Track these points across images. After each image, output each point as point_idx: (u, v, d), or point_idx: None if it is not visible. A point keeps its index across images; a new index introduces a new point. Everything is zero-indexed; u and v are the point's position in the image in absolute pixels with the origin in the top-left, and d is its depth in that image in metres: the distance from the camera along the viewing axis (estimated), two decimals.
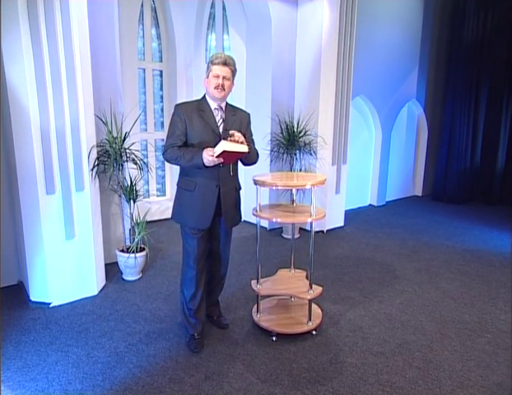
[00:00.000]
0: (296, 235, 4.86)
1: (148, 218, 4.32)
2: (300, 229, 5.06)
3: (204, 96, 2.46)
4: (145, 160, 3.79)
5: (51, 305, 3.08)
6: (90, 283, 3.25)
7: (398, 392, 2.23)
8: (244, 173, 4.47)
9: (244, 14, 4.97)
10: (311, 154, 4.81)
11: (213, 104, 2.42)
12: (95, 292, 3.29)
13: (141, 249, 3.59)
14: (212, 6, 5.36)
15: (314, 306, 2.87)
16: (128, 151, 3.44)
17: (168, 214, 2.63)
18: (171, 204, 2.58)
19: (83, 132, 3.03)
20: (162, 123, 5.53)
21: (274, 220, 2.67)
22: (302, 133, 4.71)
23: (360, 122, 6.37)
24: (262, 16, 4.74)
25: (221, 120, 2.41)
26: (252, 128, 2.63)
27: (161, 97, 5.50)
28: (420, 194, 7.61)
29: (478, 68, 6.61)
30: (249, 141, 2.44)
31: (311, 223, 2.71)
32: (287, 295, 2.96)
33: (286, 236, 4.89)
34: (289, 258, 3.18)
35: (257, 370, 2.39)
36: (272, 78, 4.86)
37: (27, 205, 2.94)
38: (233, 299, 3.27)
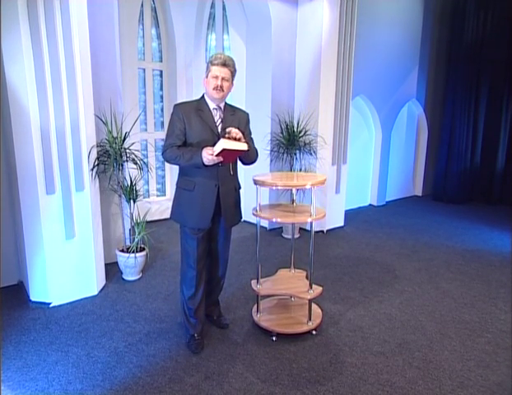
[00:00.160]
0: (296, 235, 4.86)
1: (148, 218, 4.33)
2: (300, 229, 5.06)
3: (203, 96, 2.46)
4: (145, 160, 3.79)
5: (51, 305, 3.08)
6: (90, 283, 3.25)
7: (398, 392, 2.23)
8: (244, 172, 4.47)
9: (244, 14, 4.97)
10: (311, 154, 4.81)
11: (212, 104, 2.42)
12: (95, 292, 3.29)
13: (141, 249, 3.59)
14: (212, 6, 5.36)
15: (314, 306, 2.87)
16: (128, 150, 3.44)
17: (168, 214, 2.63)
18: (171, 204, 2.58)
19: (83, 132, 3.04)
20: (162, 123, 5.52)
21: (274, 220, 2.67)
22: (302, 133, 4.71)
23: (360, 122, 6.37)
24: (262, 16, 4.75)
25: (219, 120, 2.41)
26: (252, 128, 2.63)
27: (161, 97, 5.50)
28: (420, 194, 7.61)
29: (478, 68, 6.61)
30: (248, 140, 2.44)
31: (311, 223, 2.71)
32: (287, 294, 2.96)
33: (286, 236, 4.89)
34: (289, 258, 3.18)
35: (257, 370, 2.39)
36: (272, 78, 4.86)
37: (27, 205, 2.94)
38: (233, 299, 3.27)
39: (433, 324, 2.96)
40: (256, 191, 2.64)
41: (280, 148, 4.75)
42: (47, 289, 3.07)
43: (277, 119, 4.89)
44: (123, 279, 3.58)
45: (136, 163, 3.50)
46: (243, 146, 2.22)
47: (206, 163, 2.24)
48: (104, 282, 3.46)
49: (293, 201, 3.01)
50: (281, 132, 4.80)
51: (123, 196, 3.56)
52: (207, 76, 2.38)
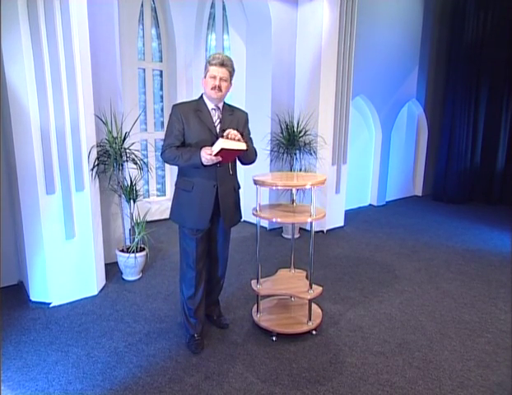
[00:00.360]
0: (296, 235, 4.86)
1: (148, 218, 4.33)
2: (300, 229, 5.06)
3: (202, 96, 2.45)
4: (145, 160, 3.79)
5: (51, 305, 3.08)
6: (90, 283, 3.25)
7: (398, 392, 2.23)
8: (243, 172, 4.46)
9: (244, 14, 4.97)
10: (311, 154, 4.81)
11: (210, 105, 2.41)
12: (95, 292, 3.29)
13: (141, 249, 3.59)
14: (212, 6, 5.36)
15: (314, 306, 2.87)
16: (127, 150, 3.44)
17: (168, 214, 2.63)
18: (170, 204, 2.58)
19: (83, 132, 3.03)
20: (162, 123, 5.52)
21: (274, 220, 2.67)
22: (302, 133, 4.71)
23: (360, 122, 6.37)
24: (262, 16, 4.75)
25: (218, 120, 2.41)
26: (252, 128, 2.62)
27: (161, 97, 5.50)
28: (420, 194, 7.61)
29: (478, 68, 6.61)
30: (247, 140, 2.44)
31: (311, 223, 2.71)
32: (287, 294, 2.96)
33: (286, 236, 4.89)
34: (289, 258, 3.18)
35: (257, 370, 2.39)
36: (272, 78, 4.86)
37: (27, 205, 2.94)
38: (233, 299, 3.27)
39: (433, 324, 2.96)
40: (256, 191, 2.64)
41: (280, 148, 4.75)
42: (47, 289, 3.07)
43: (277, 119, 4.89)
44: (123, 279, 3.58)
45: (136, 163, 3.50)
46: (242, 146, 2.22)
47: (204, 163, 2.23)
48: (104, 282, 3.46)
49: (293, 201, 3.01)
50: (281, 132, 4.80)
51: (123, 196, 3.56)
52: (205, 77, 2.37)
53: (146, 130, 5.36)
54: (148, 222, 4.32)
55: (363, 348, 2.63)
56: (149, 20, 5.14)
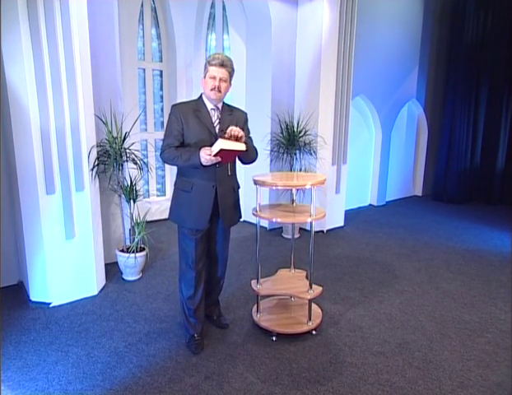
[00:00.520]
0: (296, 235, 4.86)
1: (148, 218, 4.33)
2: (300, 229, 5.06)
3: (201, 96, 2.45)
4: (145, 160, 3.79)
5: (51, 305, 3.08)
6: (90, 283, 3.25)
7: (398, 392, 2.23)
8: (244, 172, 4.46)
9: (244, 14, 4.97)
10: (311, 154, 4.81)
11: (210, 105, 2.41)
12: (95, 292, 3.29)
13: (142, 249, 3.59)
14: (212, 6, 5.36)
15: (314, 306, 2.87)
16: (127, 150, 3.44)
17: (168, 214, 2.63)
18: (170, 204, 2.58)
19: (83, 132, 3.03)
20: (162, 123, 5.52)
21: (274, 220, 2.67)
22: (302, 133, 4.71)
23: (360, 122, 6.37)
24: (262, 16, 4.74)
25: (217, 121, 2.40)
26: (252, 128, 2.62)
27: (161, 97, 5.49)
28: (420, 194, 7.61)
29: (478, 68, 6.61)
30: (247, 140, 2.43)
31: (311, 223, 2.71)
32: (287, 294, 2.96)
33: (286, 236, 4.89)
34: (289, 258, 3.18)
35: (257, 370, 2.39)
36: (272, 78, 4.86)
37: (27, 205, 2.94)
38: (233, 299, 3.27)
39: (433, 324, 2.96)
40: (256, 191, 2.64)
41: (280, 148, 4.75)
42: (47, 289, 3.07)
43: (277, 119, 4.89)
44: (123, 279, 3.58)
45: (136, 163, 3.50)
46: (241, 147, 2.21)
47: (204, 163, 2.23)
48: (104, 282, 3.46)
49: (293, 201, 3.01)
50: (281, 132, 4.80)
51: (123, 196, 3.56)
52: (204, 77, 2.37)
53: (146, 130, 5.35)
54: (148, 222, 4.32)
55: (363, 348, 2.63)
56: (149, 20, 5.14)
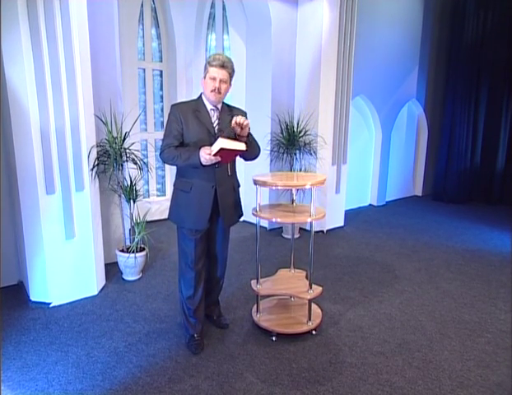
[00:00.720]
0: (296, 235, 4.86)
1: (148, 218, 4.33)
2: (300, 229, 5.06)
3: (201, 96, 2.45)
4: (145, 160, 3.79)
5: (51, 305, 3.08)
6: (90, 283, 3.25)
7: (398, 392, 2.23)
8: (244, 172, 4.47)
9: (244, 14, 4.97)
10: (311, 154, 4.81)
11: (209, 105, 2.41)
12: (95, 292, 3.29)
13: (141, 249, 3.59)
14: (212, 6, 5.36)
15: (313, 306, 2.87)
16: (127, 150, 3.44)
17: (167, 214, 2.63)
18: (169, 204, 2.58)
19: (83, 132, 3.04)
20: (162, 123, 5.52)
21: (274, 220, 2.67)
22: (302, 133, 4.71)
23: (360, 122, 6.37)
24: (262, 16, 4.74)
25: (216, 121, 2.40)
26: (252, 128, 2.59)
27: (161, 97, 5.49)
28: (420, 194, 7.61)
29: (478, 68, 6.61)
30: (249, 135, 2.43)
31: (311, 223, 2.71)
32: (287, 294, 2.96)
33: (286, 236, 4.89)
34: (289, 258, 3.18)
35: (257, 370, 2.39)
36: (272, 78, 4.86)
37: (27, 205, 2.94)
38: (233, 299, 3.27)
39: (433, 324, 2.96)
40: (256, 191, 2.64)
41: (280, 148, 4.75)
42: (47, 289, 3.08)
43: (277, 119, 4.89)
44: (123, 279, 3.58)
45: (136, 163, 3.50)
46: (241, 146, 2.21)
47: (203, 163, 2.22)
48: (104, 282, 3.46)
49: (293, 201, 3.01)
50: (281, 132, 4.80)
51: (123, 196, 3.56)
52: (204, 77, 2.36)
53: (146, 130, 5.36)
54: (148, 222, 4.32)
55: (363, 348, 2.63)
56: (149, 20, 5.14)
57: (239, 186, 2.63)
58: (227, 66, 2.31)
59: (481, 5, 6.46)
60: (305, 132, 4.73)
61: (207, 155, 2.17)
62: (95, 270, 3.26)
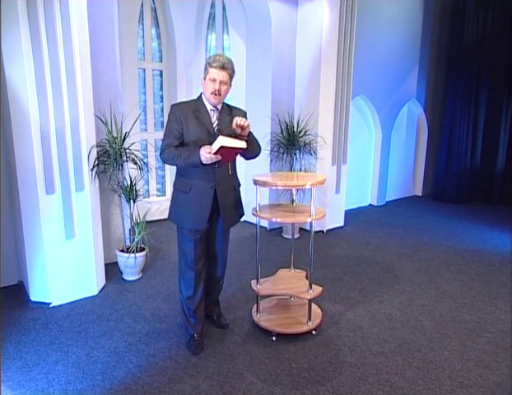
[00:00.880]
0: (296, 235, 4.86)
1: (148, 218, 4.33)
2: (300, 229, 5.06)
3: (200, 96, 2.45)
4: (145, 160, 3.79)
5: (51, 305, 3.08)
6: (90, 283, 3.25)
7: (398, 392, 2.23)
8: (244, 172, 4.46)
9: (244, 14, 4.97)
10: (311, 154, 4.81)
11: (209, 105, 2.40)
12: (95, 292, 3.29)
13: (141, 249, 3.59)
14: (212, 6, 5.36)
15: (313, 306, 2.87)
16: (127, 150, 3.44)
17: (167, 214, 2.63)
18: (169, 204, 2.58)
19: (83, 132, 3.04)
20: (162, 123, 5.52)
21: (274, 220, 2.67)
22: (302, 133, 4.71)
23: (360, 122, 6.37)
24: (262, 16, 4.74)
25: (216, 121, 2.40)
26: (252, 128, 2.58)
27: (161, 97, 5.49)
28: (420, 194, 7.61)
29: (478, 68, 6.61)
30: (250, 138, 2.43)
31: (311, 223, 2.71)
32: (287, 294, 2.96)
33: (286, 236, 4.89)
34: (289, 258, 3.18)
35: (257, 370, 2.39)
36: (272, 78, 4.86)
37: (27, 205, 2.94)
38: (233, 299, 3.27)
39: (433, 324, 2.96)
40: (256, 191, 2.64)
41: (280, 148, 4.75)
42: (47, 289, 3.08)
43: (277, 119, 4.89)
44: (123, 279, 3.58)
45: (136, 163, 3.50)
46: (241, 144, 2.20)
47: (204, 162, 2.22)
48: (104, 282, 3.46)
49: (293, 201, 3.01)
50: (281, 132, 4.80)
51: (123, 196, 3.56)
52: (204, 78, 2.36)
53: (146, 130, 5.36)
54: (148, 222, 4.32)
55: (363, 348, 2.63)
56: (149, 20, 5.14)
57: (239, 185, 2.63)
58: (227, 67, 2.31)
59: (481, 5, 6.46)
60: (305, 132, 4.73)
61: (207, 153, 2.17)
62: (95, 270, 3.26)
